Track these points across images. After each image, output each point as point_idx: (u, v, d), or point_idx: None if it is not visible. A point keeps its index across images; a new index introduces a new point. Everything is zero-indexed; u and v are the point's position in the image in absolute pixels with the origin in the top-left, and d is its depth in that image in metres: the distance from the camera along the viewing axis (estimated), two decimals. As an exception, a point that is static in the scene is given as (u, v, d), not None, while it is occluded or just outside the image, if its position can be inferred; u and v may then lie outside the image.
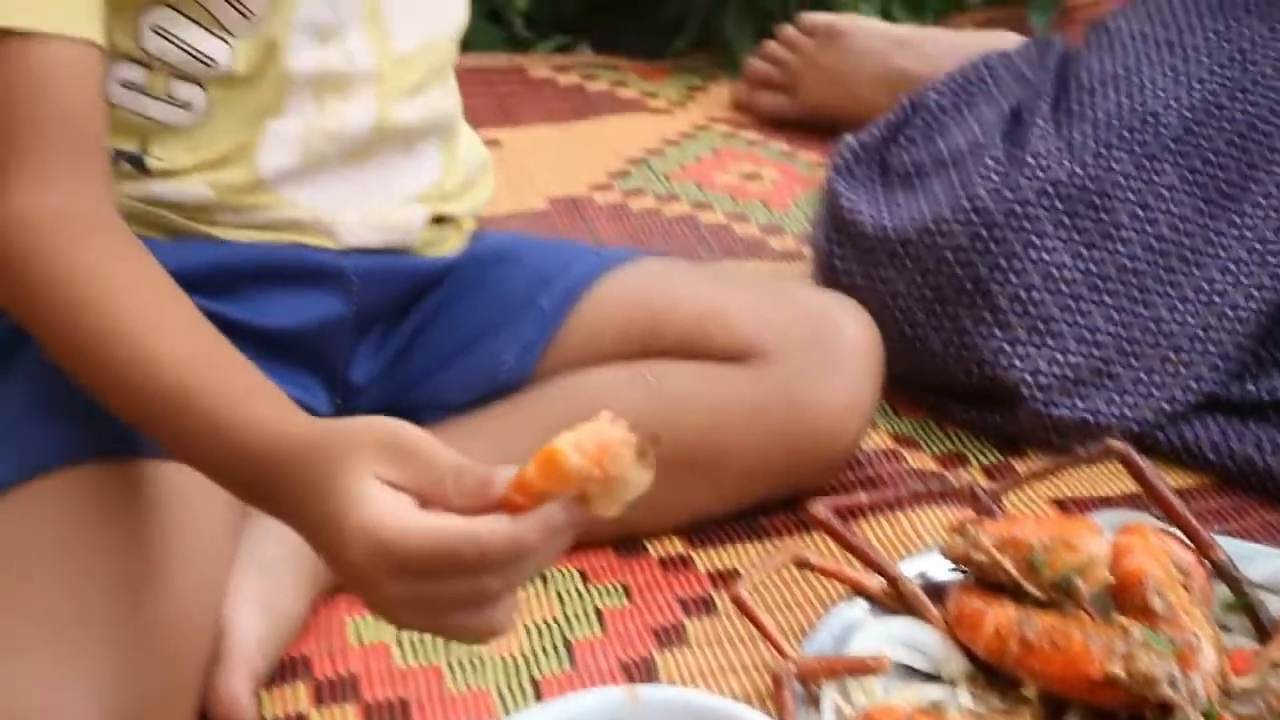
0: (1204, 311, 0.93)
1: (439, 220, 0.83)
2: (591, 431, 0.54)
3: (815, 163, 1.31)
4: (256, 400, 0.61)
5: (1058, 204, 0.93)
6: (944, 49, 1.33)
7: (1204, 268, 0.94)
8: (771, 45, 1.40)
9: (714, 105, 1.44)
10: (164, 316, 0.64)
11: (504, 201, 1.21)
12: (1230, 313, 0.93)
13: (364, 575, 0.54)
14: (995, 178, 0.94)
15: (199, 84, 0.74)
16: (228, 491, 0.63)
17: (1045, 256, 0.92)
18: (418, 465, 0.54)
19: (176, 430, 0.62)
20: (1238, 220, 0.94)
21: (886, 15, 1.53)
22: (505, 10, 1.48)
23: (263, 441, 0.58)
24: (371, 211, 0.80)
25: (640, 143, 1.35)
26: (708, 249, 1.17)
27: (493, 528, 0.53)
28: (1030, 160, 0.94)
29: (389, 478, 0.54)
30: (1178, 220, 0.94)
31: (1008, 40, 1.34)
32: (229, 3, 0.72)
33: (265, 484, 0.58)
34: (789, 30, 1.39)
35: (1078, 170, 0.94)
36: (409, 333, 0.84)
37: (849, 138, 1.07)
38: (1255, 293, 0.93)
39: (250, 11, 0.72)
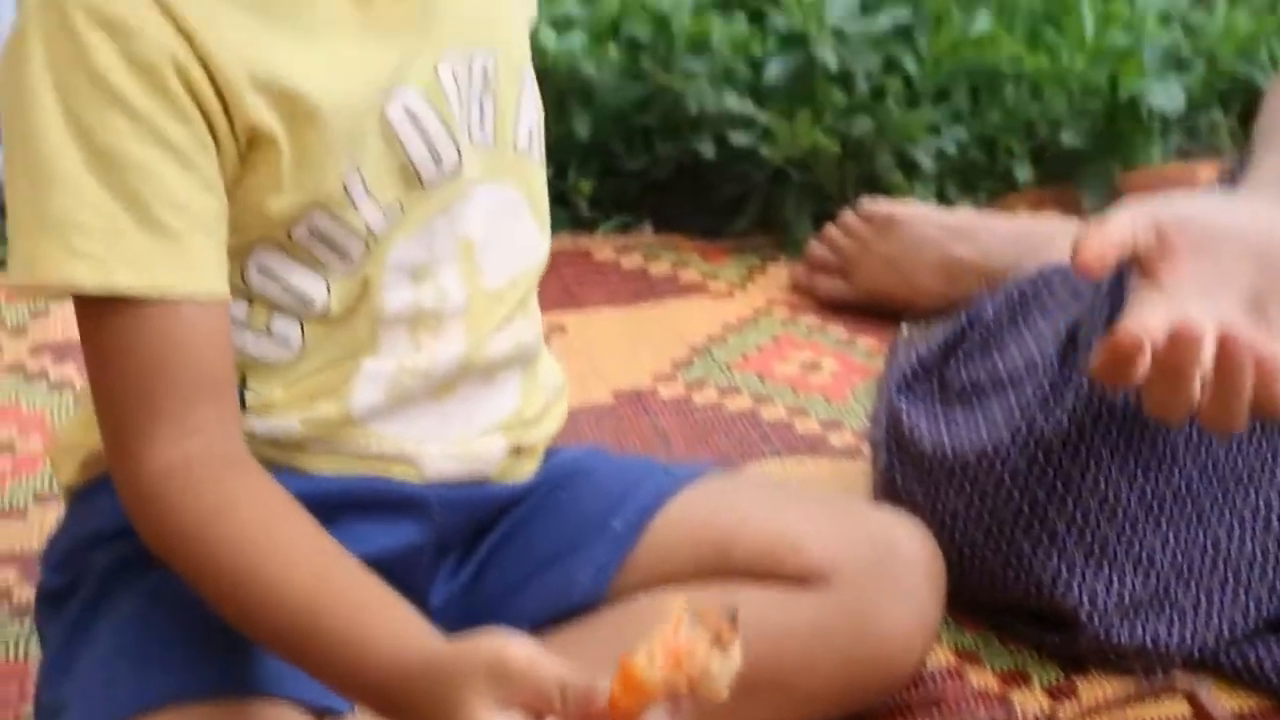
0: (1262, 534, 0.94)
1: (517, 450, 0.86)
2: (661, 639, 0.56)
3: (873, 350, 1.33)
4: (380, 618, 0.66)
5: (1112, 429, 0.94)
6: (999, 238, 1.36)
7: (1260, 490, 0.94)
8: (830, 231, 1.43)
9: (773, 286, 1.46)
10: (293, 544, 0.69)
11: (571, 393, 1.23)
12: None
13: None
14: (1052, 403, 0.95)
15: (298, 321, 0.77)
16: (362, 706, 0.68)
17: (1101, 482, 0.93)
18: (526, 684, 0.59)
19: (306, 650, 0.67)
20: None
21: (941, 193, 1.55)
22: (570, 193, 1.52)
23: (388, 661, 0.64)
24: (453, 443, 0.82)
25: (702, 329, 1.38)
26: (770, 446, 1.19)
27: None
28: (1085, 386, 0.95)
29: (503, 698, 0.59)
30: (1231, 443, 0.95)
31: (1062, 229, 1.37)
32: (329, 246, 0.75)
33: (392, 702, 0.64)
34: (847, 216, 1.42)
35: (1132, 396, 0.95)
36: (485, 555, 0.87)
37: (911, 355, 1.09)
38: None
39: (349, 254, 0.76)
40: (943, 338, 1.09)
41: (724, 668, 0.56)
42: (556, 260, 1.47)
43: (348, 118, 0.73)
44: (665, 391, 1.28)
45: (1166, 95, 1.57)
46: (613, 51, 1.51)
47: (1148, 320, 0.80)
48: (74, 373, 1.27)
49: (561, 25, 1.52)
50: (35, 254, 0.69)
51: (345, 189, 0.74)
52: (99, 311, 0.70)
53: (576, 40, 1.49)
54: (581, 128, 1.51)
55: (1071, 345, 1.01)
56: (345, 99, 0.73)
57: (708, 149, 1.50)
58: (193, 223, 0.70)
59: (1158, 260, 0.83)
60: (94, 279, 0.68)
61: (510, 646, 0.60)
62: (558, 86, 1.48)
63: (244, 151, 0.72)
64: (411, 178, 0.76)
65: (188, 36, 0.69)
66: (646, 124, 1.53)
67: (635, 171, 1.55)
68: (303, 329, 0.77)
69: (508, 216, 0.82)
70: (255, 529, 0.69)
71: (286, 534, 0.69)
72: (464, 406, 0.82)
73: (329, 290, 0.76)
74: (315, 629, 0.66)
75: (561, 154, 1.50)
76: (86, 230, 0.68)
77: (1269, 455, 0.95)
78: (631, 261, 1.50)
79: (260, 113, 0.71)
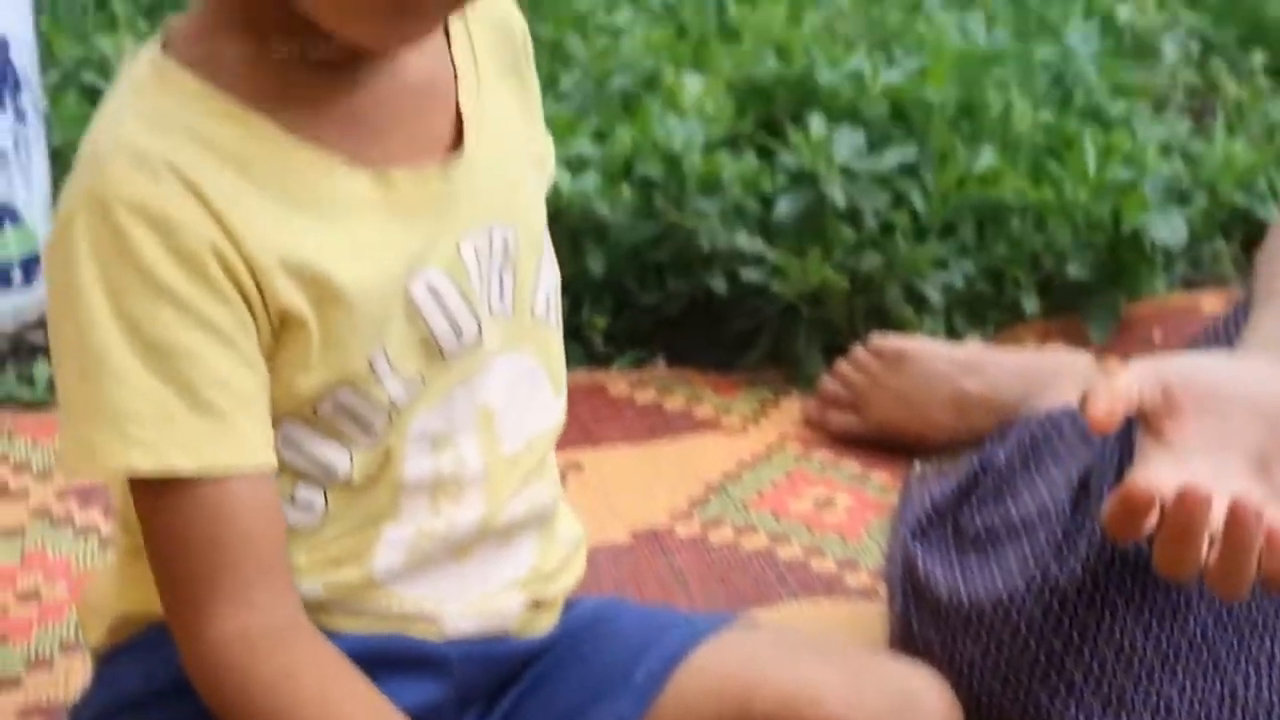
0: (1278, 682, 0.94)
1: (536, 605, 0.86)
2: None
3: (886, 485, 1.34)
4: None
5: (1127, 578, 0.95)
6: (1008, 372, 1.37)
7: (1276, 637, 0.95)
8: (841, 366, 1.44)
9: (786, 420, 1.48)
10: (354, 709, 0.73)
11: (589, 532, 1.23)
12: None
13: None
14: (1065, 551, 0.96)
15: (321, 489, 0.78)
16: None
17: (1117, 631, 0.94)
18: None
19: None
20: None
21: (949, 326, 1.57)
22: (585, 328, 1.53)
23: None
24: (472, 601, 0.83)
25: (717, 465, 1.38)
26: (787, 588, 1.19)
27: None
28: (1099, 534, 0.96)
29: None
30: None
31: (1069, 364, 1.39)
32: (353, 419, 0.76)
33: None
34: (858, 352, 1.44)
35: (1145, 545, 0.96)
36: (508, 709, 0.87)
37: (927, 487, 1.10)
38: None
39: (372, 426, 0.77)
40: (956, 483, 1.10)
41: None
42: (572, 396, 1.47)
43: (374, 300, 0.74)
44: (682, 530, 1.28)
45: (1169, 228, 1.59)
46: (626, 191, 1.53)
47: (1156, 477, 0.81)
48: (99, 517, 1.27)
49: (575, 166, 1.54)
50: (93, 442, 0.70)
51: (371, 366, 0.75)
52: (155, 492, 0.71)
53: (590, 180, 1.51)
54: (595, 265, 1.53)
55: (1084, 492, 1.02)
56: (371, 282, 0.74)
57: (719, 285, 1.52)
58: (239, 400, 0.71)
59: (1164, 418, 0.84)
60: (150, 464, 0.70)
61: None
62: (572, 225, 1.50)
63: (276, 331, 0.73)
64: (433, 351, 0.77)
65: (222, 224, 0.70)
66: (659, 260, 1.55)
67: (648, 307, 1.57)
68: (326, 497, 0.78)
69: (525, 384, 0.83)
70: (315, 695, 0.71)
71: (346, 699, 0.72)
72: (482, 567, 0.83)
73: (352, 460, 0.77)
74: None
75: (576, 290, 1.53)
76: (140, 418, 0.69)
77: (1281, 603, 0.96)
78: (646, 397, 1.51)
79: (290, 295, 0.72)
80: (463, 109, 0.78)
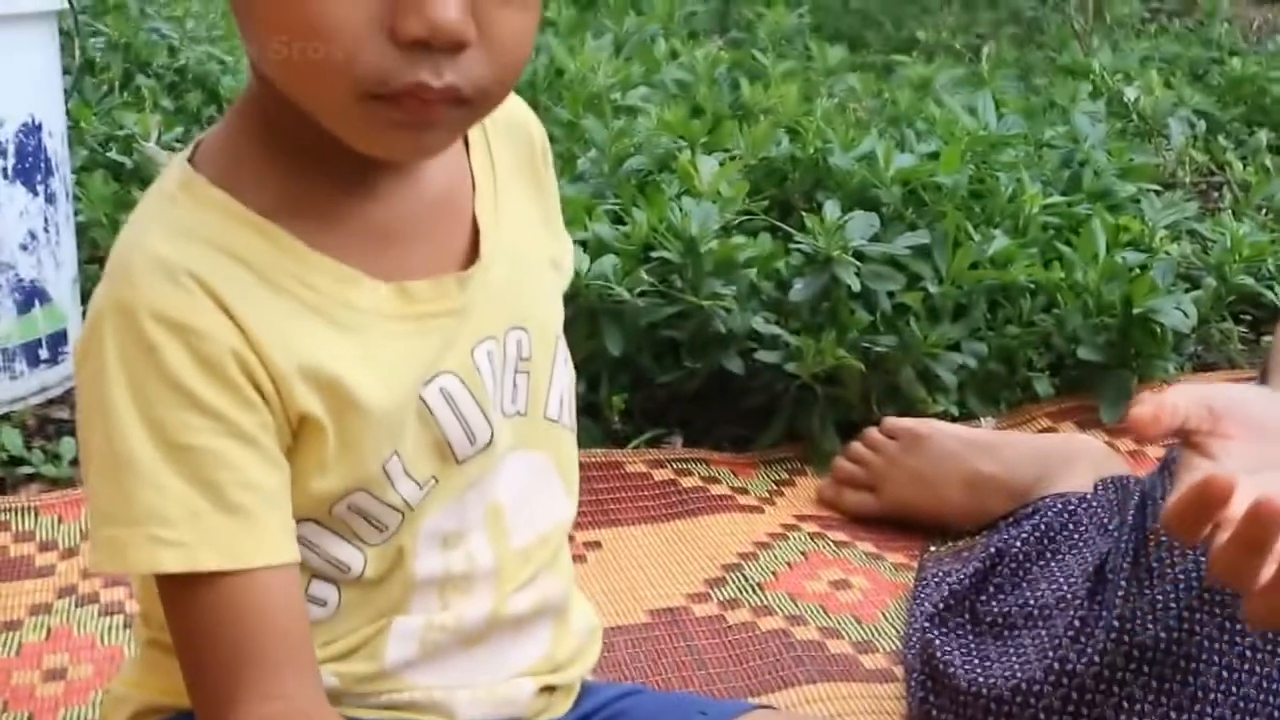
0: None
1: (549, 690, 0.86)
2: None
3: (901, 566, 1.34)
4: None
5: (1144, 668, 0.95)
6: (1021, 454, 1.38)
7: None
8: (856, 447, 1.45)
9: (801, 499, 1.48)
10: None
11: (608, 614, 1.24)
12: None
13: None
14: (1083, 640, 0.97)
15: (335, 585, 0.79)
16: None
17: (1138, 718, 0.94)
18: None
19: None
20: None
21: (962, 405, 1.59)
22: (602, 407, 1.54)
23: None
24: (483, 688, 0.83)
25: (734, 545, 1.39)
26: (804, 670, 1.18)
27: None
28: (1116, 624, 0.97)
29: None
30: (1262, 679, 0.96)
31: (1082, 448, 1.39)
32: (367, 520, 0.77)
33: None
34: (873, 432, 1.44)
35: (1162, 634, 0.96)
36: None
37: (942, 569, 1.10)
38: None
39: (385, 526, 0.78)
40: (973, 568, 1.10)
41: None
42: (590, 475, 1.50)
43: (389, 408, 0.75)
44: (699, 610, 1.28)
45: (1178, 311, 1.60)
46: (643, 273, 1.54)
47: (1226, 478, 0.79)
48: (124, 596, 1.27)
49: (594, 248, 1.55)
50: (124, 544, 0.71)
51: (385, 470, 0.76)
52: (183, 588, 0.72)
53: (608, 263, 1.52)
54: (613, 344, 1.53)
55: (1100, 581, 1.03)
56: (387, 391, 0.75)
57: (735, 364, 1.54)
58: (263, 498, 0.72)
59: (1209, 435, 0.84)
60: (180, 563, 0.71)
61: None
62: (590, 306, 1.51)
63: (296, 433, 0.74)
64: (446, 454, 0.78)
65: (243, 331, 0.71)
66: (676, 340, 1.56)
67: (665, 385, 1.58)
68: (340, 592, 0.79)
69: (537, 480, 0.84)
70: None
71: None
72: (492, 656, 0.83)
73: (365, 559, 0.78)
74: None
75: (593, 369, 1.54)
76: (170, 521, 0.70)
77: (1299, 690, 0.96)
78: (663, 475, 1.51)
79: (308, 401, 0.73)
80: (480, 221, 0.80)
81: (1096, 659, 0.95)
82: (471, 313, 0.78)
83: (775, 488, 1.50)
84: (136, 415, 0.70)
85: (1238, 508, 0.76)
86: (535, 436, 0.83)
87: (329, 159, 0.74)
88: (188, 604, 0.73)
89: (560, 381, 0.85)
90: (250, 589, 0.72)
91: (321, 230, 0.75)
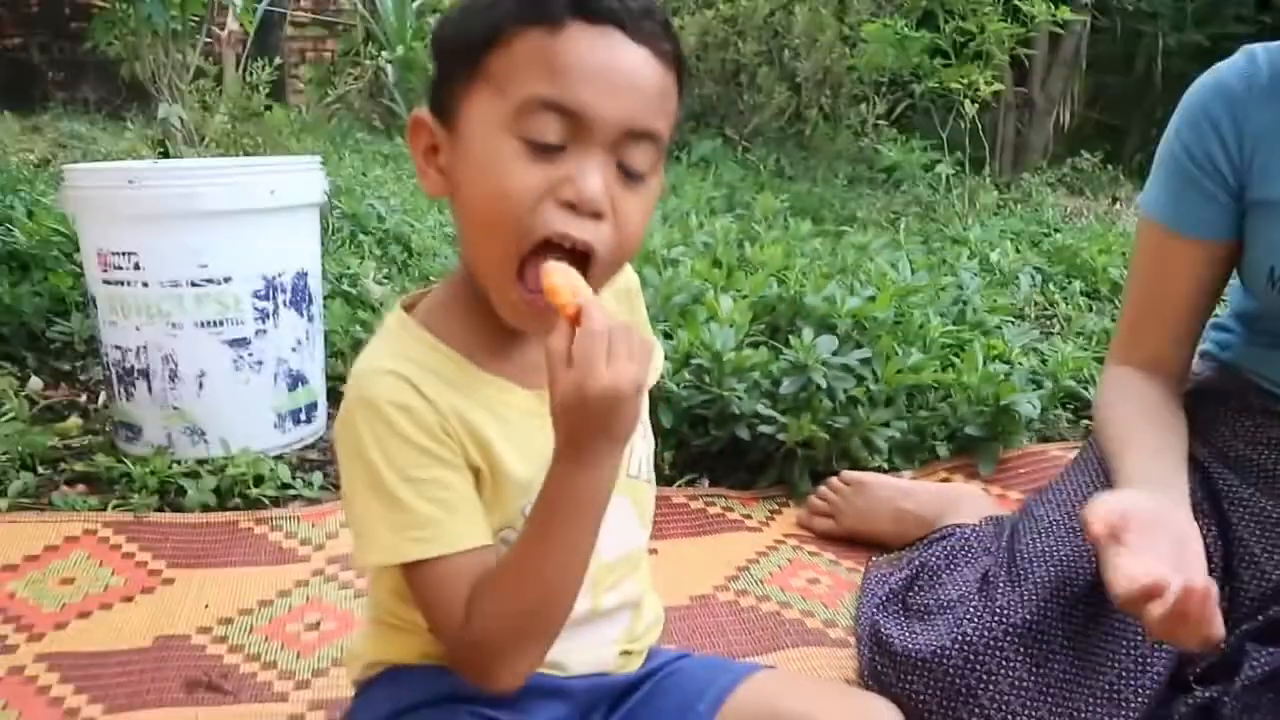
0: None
1: (627, 654, 0.87)
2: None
3: (854, 569, 1.34)
4: None
5: (1016, 639, 0.97)
6: (933, 496, 1.38)
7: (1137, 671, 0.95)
8: (821, 490, 1.46)
9: (787, 524, 1.48)
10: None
11: (662, 596, 1.24)
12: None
13: None
14: (977, 620, 0.98)
15: None
16: None
17: (1012, 673, 0.95)
18: None
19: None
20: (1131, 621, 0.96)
21: (891, 463, 1.58)
22: (658, 460, 1.55)
23: None
24: (585, 651, 0.84)
25: (743, 554, 1.38)
26: (790, 639, 1.18)
27: None
28: (998, 610, 0.99)
29: None
30: (1099, 644, 0.97)
31: (968, 492, 1.40)
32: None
33: None
34: (833, 480, 1.45)
35: (1027, 616, 0.98)
36: None
37: (881, 573, 1.11)
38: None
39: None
40: (904, 574, 1.11)
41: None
42: (649, 505, 1.51)
43: (525, 476, 0.76)
44: (722, 597, 1.27)
45: (1029, 404, 1.62)
46: (685, 374, 1.57)
47: (1146, 569, 0.82)
48: (353, 578, 1.28)
49: (654, 357, 1.58)
50: (391, 545, 0.73)
51: (522, 513, 0.75)
52: (425, 566, 0.74)
53: (663, 367, 1.54)
54: (665, 420, 1.56)
55: (985, 583, 1.04)
56: (526, 468, 0.75)
57: (744, 434, 1.54)
58: (473, 506, 0.75)
59: (1124, 531, 0.87)
60: (425, 553, 0.73)
61: None
62: (651, 396, 1.52)
63: (472, 479, 0.76)
64: None
65: (438, 411, 0.73)
66: (706, 417, 1.57)
67: (699, 447, 1.59)
68: None
69: (621, 517, 0.82)
70: None
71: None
72: (592, 632, 0.83)
73: None
74: None
75: (652, 436, 1.55)
76: (413, 526, 0.73)
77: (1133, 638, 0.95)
78: (696, 505, 1.51)
79: (475, 460, 0.75)
80: None
81: (985, 633, 0.97)
82: None
83: (769, 515, 1.50)
84: (384, 464, 0.72)
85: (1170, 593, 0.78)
86: (623, 488, 0.79)
87: (498, 320, 0.75)
88: (427, 575, 0.74)
89: (640, 450, 0.84)
90: (462, 563, 0.73)
91: (490, 359, 0.77)
